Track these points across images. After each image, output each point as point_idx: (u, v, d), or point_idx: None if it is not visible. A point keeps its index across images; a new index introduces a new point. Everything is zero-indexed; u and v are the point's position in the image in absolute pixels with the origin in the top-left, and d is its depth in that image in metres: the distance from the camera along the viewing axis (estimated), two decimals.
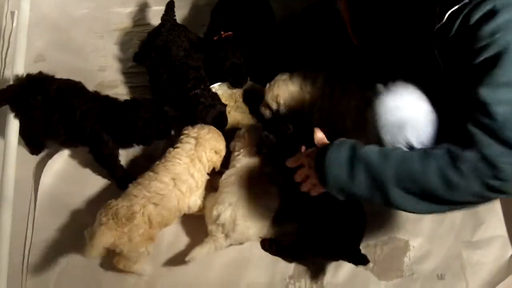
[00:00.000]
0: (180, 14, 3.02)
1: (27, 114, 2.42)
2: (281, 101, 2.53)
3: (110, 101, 2.47)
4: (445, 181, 1.60)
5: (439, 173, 1.60)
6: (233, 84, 2.69)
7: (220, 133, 2.46)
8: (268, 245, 2.40)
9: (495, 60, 1.55)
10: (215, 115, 2.51)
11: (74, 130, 2.41)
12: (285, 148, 2.25)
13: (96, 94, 2.48)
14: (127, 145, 2.56)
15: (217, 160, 2.42)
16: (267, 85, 2.57)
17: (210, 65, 2.71)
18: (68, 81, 2.47)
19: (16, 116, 2.46)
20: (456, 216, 2.48)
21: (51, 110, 2.39)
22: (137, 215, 2.18)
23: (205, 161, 2.37)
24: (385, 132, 1.88)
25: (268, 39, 2.79)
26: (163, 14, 2.75)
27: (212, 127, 2.45)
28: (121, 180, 2.49)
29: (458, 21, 1.66)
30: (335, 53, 2.62)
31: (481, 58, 1.59)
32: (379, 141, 1.89)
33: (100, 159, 2.49)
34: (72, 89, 2.44)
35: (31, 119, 2.42)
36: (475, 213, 2.48)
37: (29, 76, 2.43)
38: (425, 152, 1.66)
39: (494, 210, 2.50)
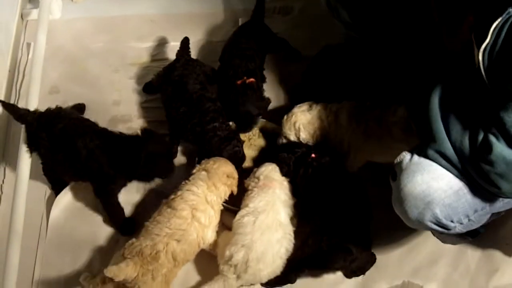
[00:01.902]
0: (195, 50, 3.04)
1: (36, 150, 2.44)
2: (301, 128, 2.53)
3: (114, 137, 2.45)
4: None
5: None
6: (238, 128, 2.68)
7: (225, 159, 2.47)
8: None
9: None
10: (230, 149, 2.52)
11: (79, 169, 2.40)
12: (300, 163, 2.42)
13: (103, 131, 2.48)
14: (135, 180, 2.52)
15: (232, 184, 2.42)
16: (285, 117, 2.58)
17: (225, 102, 2.70)
18: (76, 120, 2.47)
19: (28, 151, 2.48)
20: (471, 262, 2.43)
21: (56, 149, 2.39)
22: (161, 254, 2.17)
23: (221, 188, 2.37)
24: (411, 207, 1.91)
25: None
26: (178, 50, 2.76)
27: (217, 158, 2.47)
28: (123, 226, 2.50)
29: (503, 33, 1.65)
30: (361, 86, 2.65)
31: None
32: (403, 214, 1.94)
33: (102, 196, 2.47)
34: (78, 128, 2.42)
35: (40, 155, 2.43)
36: (490, 259, 2.44)
37: (45, 111, 2.45)
38: None
39: (509, 257, 2.44)
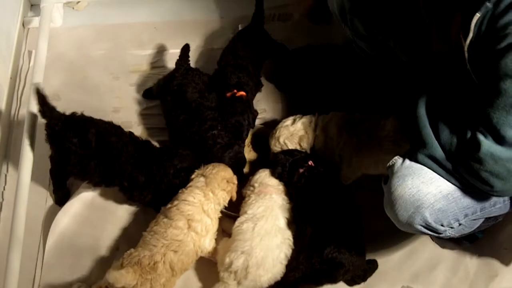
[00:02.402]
0: (195, 57, 3.06)
1: (63, 156, 2.41)
2: (286, 142, 2.57)
3: (147, 146, 2.51)
4: None
5: None
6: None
7: (224, 165, 2.48)
8: None
9: None
10: (231, 155, 2.53)
11: (111, 173, 2.41)
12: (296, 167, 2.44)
13: (133, 137, 2.51)
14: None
15: (231, 189, 2.42)
16: (270, 133, 2.64)
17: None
18: (107, 124, 2.48)
19: (53, 155, 2.47)
20: (470, 267, 2.44)
21: (89, 155, 2.38)
22: (159, 265, 2.17)
23: (219, 194, 2.37)
24: (401, 210, 1.93)
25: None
26: (178, 59, 2.77)
27: (216, 163, 2.47)
28: (154, 204, 2.50)
29: (483, 28, 1.69)
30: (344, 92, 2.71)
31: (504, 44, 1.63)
32: (394, 217, 1.96)
33: (134, 199, 2.52)
34: (112, 132, 2.45)
35: (67, 161, 2.41)
36: (489, 264, 2.44)
37: (72, 115, 2.45)
38: None
39: (508, 262, 2.44)
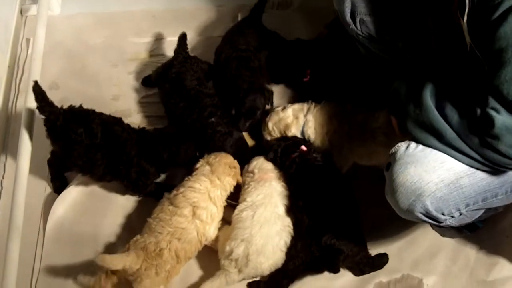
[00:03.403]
0: (194, 45, 3.05)
1: (67, 148, 2.39)
2: (274, 128, 2.59)
3: (146, 132, 2.52)
4: None
5: None
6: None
7: (225, 153, 2.51)
8: (255, 287, 2.36)
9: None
10: (232, 143, 2.54)
11: (117, 164, 2.41)
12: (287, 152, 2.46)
13: (132, 128, 2.52)
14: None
15: (235, 173, 2.45)
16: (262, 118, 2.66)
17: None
18: (107, 115, 2.49)
19: (55, 148, 2.48)
20: (471, 255, 2.44)
21: (95, 146, 2.38)
22: (164, 251, 2.20)
23: (226, 179, 2.40)
24: (402, 197, 1.93)
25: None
26: (176, 47, 2.76)
27: (217, 152, 2.50)
28: (155, 193, 2.51)
29: None
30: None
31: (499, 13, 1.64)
32: (395, 204, 1.96)
33: (137, 190, 2.51)
34: (114, 122, 2.46)
35: (71, 152, 2.39)
36: (489, 252, 2.44)
37: (71, 108, 2.43)
38: None
39: (508, 250, 2.44)
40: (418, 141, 1.96)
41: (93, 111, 2.46)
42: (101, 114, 2.47)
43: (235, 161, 2.48)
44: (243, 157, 2.57)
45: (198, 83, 2.67)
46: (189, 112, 2.59)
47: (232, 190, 2.43)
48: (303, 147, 2.47)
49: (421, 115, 1.92)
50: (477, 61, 1.79)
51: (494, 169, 1.88)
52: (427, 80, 1.97)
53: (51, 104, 2.40)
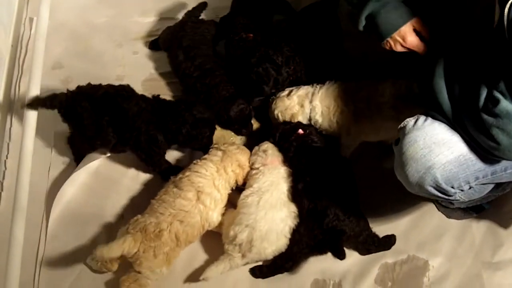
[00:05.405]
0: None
1: (78, 123, 2.41)
2: (279, 117, 2.57)
3: (160, 101, 2.50)
4: None
5: None
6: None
7: (248, 151, 2.49)
8: (258, 271, 2.36)
9: None
10: (236, 111, 2.56)
11: (125, 133, 2.40)
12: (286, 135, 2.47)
13: (144, 96, 2.49)
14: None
15: (239, 174, 2.42)
16: (269, 102, 2.64)
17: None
18: (115, 86, 2.48)
19: (69, 127, 2.50)
20: (476, 236, 2.44)
21: (100, 115, 2.38)
22: (164, 233, 2.20)
23: (230, 173, 2.39)
24: (412, 171, 1.92)
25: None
26: (188, 11, 2.87)
27: (241, 146, 2.50)
28: (165, 172, 2.51)
29: None
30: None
31: None
32: (404, 178, 1.95)
33: (149, 159, 2.49)
34: (120, 92, 2.44)
35: (82, 127, 2.40)
36: (495, 234, 2.44)
37: (79, 87, 2.45)
38: None
39: None
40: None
41: (99, 84, 2.47)
42: (109, 85, 2.48)
43: (247, 163, 2.45)
44: (246, 125, 2.60)
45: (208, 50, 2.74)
46: (201, 77, 2.63)
47: (233, 186, 2.42)
48: (300, 131, 2.47)
49: None
50: (499, 41, 1.75)
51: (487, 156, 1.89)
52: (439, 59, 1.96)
53: (52, 97, 2.43)
